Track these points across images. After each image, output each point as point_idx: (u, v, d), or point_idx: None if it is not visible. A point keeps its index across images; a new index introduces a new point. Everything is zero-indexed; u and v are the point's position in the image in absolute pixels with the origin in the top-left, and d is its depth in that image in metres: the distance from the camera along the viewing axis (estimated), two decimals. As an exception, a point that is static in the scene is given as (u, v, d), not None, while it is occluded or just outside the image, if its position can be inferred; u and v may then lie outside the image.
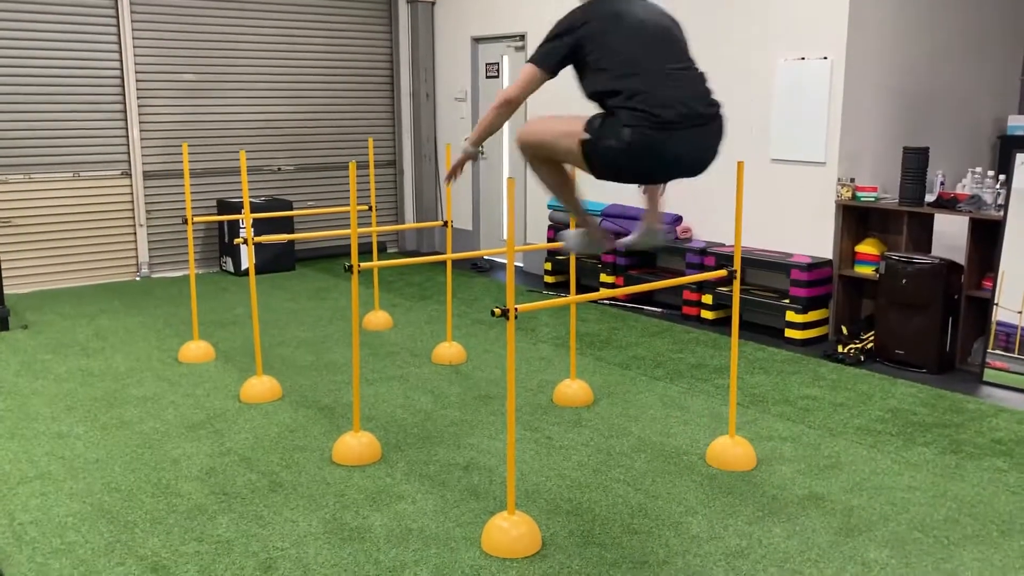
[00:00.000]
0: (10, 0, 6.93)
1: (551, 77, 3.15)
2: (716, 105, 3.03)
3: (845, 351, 5.44)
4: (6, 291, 7.02)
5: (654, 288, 3.96)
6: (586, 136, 2.95)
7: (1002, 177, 5.19)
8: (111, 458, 3.93)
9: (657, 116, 2.86)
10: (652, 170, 3.04)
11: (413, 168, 9.19)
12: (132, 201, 7.68)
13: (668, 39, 3.12)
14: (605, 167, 2.98)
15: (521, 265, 8.34)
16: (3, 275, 6.66)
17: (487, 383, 4.97)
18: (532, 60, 3.10)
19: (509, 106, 3.16)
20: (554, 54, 3.07)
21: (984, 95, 6.58)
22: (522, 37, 7.95)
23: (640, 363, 5.35)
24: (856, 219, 5.82)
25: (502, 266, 8.38)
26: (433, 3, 8.84)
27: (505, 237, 8.35)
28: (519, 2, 7.89)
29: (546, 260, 7.60)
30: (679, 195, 6.76)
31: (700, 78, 3.08)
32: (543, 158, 3.24)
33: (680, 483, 3.69)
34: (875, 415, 4.48)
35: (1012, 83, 6.78)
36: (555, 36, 3.09)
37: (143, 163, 7.68)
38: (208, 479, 3.71)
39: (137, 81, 7.56)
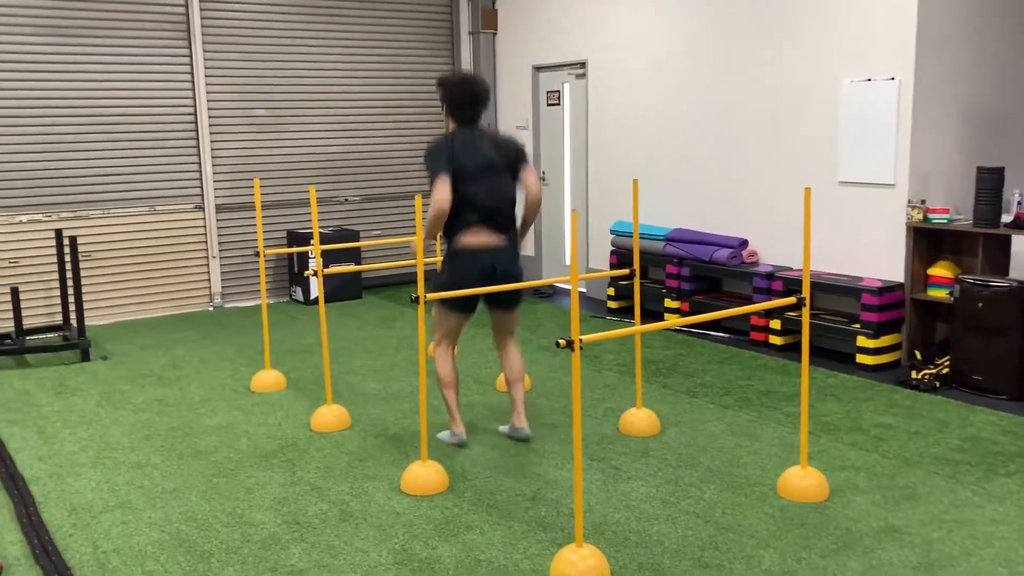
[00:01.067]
0: (88, 44, 7.24)
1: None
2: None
3: (919, 377, 5.30)
4: (87, 323, 7.30)
5: (720, 317, 3.92)
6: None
7: (1083, 196, 5.03)
8: (187, 487, 4.04)
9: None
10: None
11: (476, 196, 9.27)
12: (205, 233, 7.92)
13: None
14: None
15: (584, 290, 8.34)
16: (84, 307, 6.92)
17: (552, 411, 4.97)
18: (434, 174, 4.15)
19: (439, 209, 4.13)
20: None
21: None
22: (583, 65, 8.00)
23: (708, 391, 5.29)
24: (928, 241, 5.68)
25: (565, 291, 8.39)
26: (494, 33, 8.96)
27: (568, 263, 8.36)
28: (580, 30, 7.94)
29: (609, 285, 7.59)
30: (745, 219, 6.71)
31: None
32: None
33: (751, 515, 3.63)
34: (953, 444, 4.35)
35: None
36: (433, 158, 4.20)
37: (216, 196, 7.92)
38: (280, 508, 3.79)
39: (210, 117, 7.81)
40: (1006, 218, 5.33)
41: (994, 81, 5.96)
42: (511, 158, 4.29)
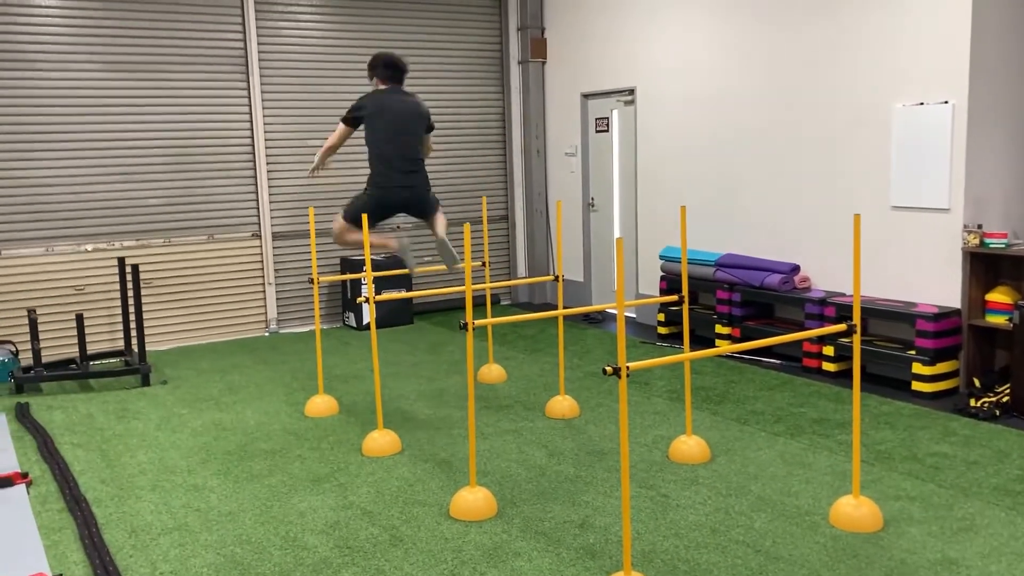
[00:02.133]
0: (152, 79, 7.51)
1: (354, 129, 5.58)
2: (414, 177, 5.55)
3: (978, 405, 5.19)
4: (147, 348, 7.50)
5: (772, 343, 3.91)
6: (341, 218, 5.52)
7: None
8: (242, 510, 4.13)
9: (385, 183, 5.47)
10: (383, 213, 5.54)
11: (525, 222, 9.35)
12: (261, 261, 8.11)
13: (406, 131, 5.54)
14: (355, 218, 5.36)
15: (634, 316, 8.33)
16: (145, 333, 7.12)
17: (601, 438, 4.97)
18: (343, 120, 5.58)
19: (331, 150, 5.69)
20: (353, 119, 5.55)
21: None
22: (631, 92, 8.05)
23: (759, 418, 5.24)
24: (985, 266, 5.58)
25: (615, 317, 8.39)
26: (544, 62, 9.06)
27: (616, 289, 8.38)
28: (628, 57, 8.00)
29: (659, 311, 7.57)
30: (797, 244, 6.66)
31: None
32: (341, 241, 5.58)
33: (803, 545, 3.59)
34: (1013, 474, 4.24)
35: None
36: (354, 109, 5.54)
37: (272, 225, 8.11)
38: (332, 532, 3.85)
39: (267, 148, 8.02)
40: (1067, 242, 5.21)
41: (1052, 103, 5.85)
42: (423, 113, 5.65)
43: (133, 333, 7.23)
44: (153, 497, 4.32)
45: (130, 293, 7.03)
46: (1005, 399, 5.20)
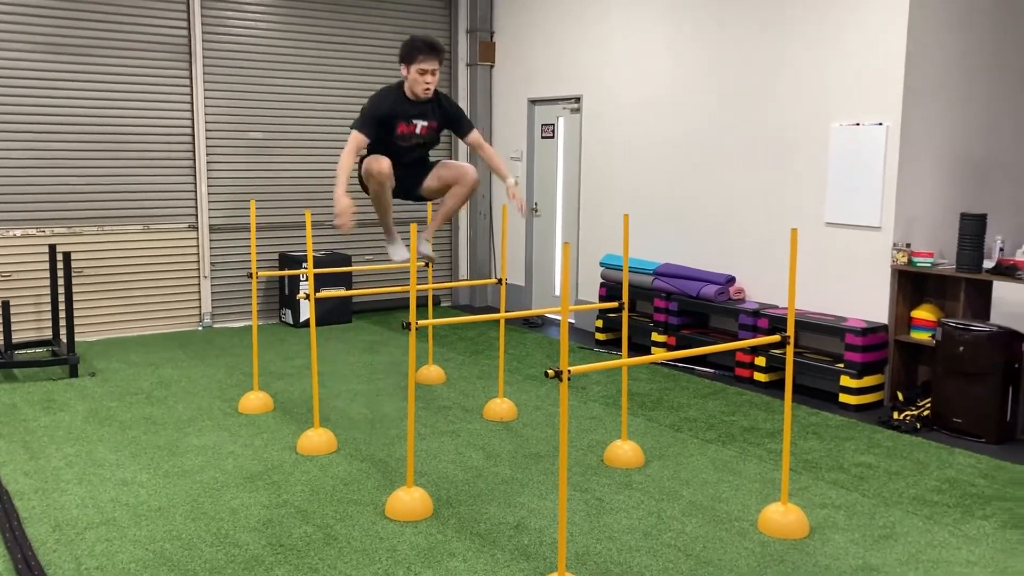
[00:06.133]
0: (90, 62, 7.32)
1: (369, 141, 4.76)
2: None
3: (901, 418, 5.37)
4: (76, 338, 7.30)
5: (706, 352, 3.99)
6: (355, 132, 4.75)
7: (1063, 245, 5.14)
8: (173, 506, 4.05)
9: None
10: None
11: (468, 225, 9.36)
12: (198, 253, 7.96)
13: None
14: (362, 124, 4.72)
15: (572, 321, 8.40)
16: (74, 323, 6.92)
17: (538, 441, 5.01)
18: (354, 127, 4.75)
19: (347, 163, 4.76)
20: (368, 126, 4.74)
21: (1044, 161, 6.53)
22: (578, 100, 8.13)
23: (692, 425, 5.34)
24: (912, 284, 5.78)
25: (554, 322, 8.45)
26: (492, 66, 9.09)
27: (558, 294, 8.43)
28: (575, 66, 8.08)
29: (597, 317, 7.65)
30: (733, 256, 6.80)
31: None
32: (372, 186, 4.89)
33: (732, 550, 3.67)
34: (932, 485, 4.41)
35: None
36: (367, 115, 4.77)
37: (210, 217, 7.97)
38: (265, 530, 3.80)
39: (207, 139, 7.88)
40: (988, 264, 5.43)
41: (978, 129, 6.10)
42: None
43: (62, 322, 7.02)
44: (79, 491, 4.21)
45: (60, 281, 6.83)
46: (926, 413, 5.40)
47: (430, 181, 5.02)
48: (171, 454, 4.74)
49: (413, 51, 4.65)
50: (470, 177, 4.92)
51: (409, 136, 4.84)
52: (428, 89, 4.71)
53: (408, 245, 4.67)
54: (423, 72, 4.67)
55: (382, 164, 4.69)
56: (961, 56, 5.91)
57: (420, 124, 4.80)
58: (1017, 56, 6.23)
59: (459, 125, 4.98)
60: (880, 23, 5.70)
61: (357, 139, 4.68)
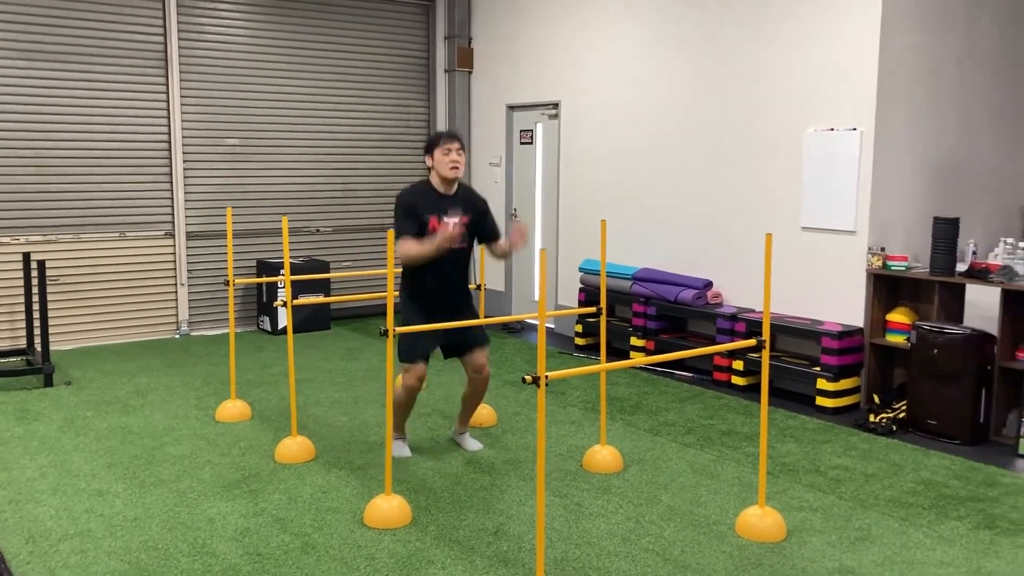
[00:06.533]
0: (65, 69, 7.27)
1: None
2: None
3: (877, 420, 5.42)
4: (51, 347, 7.23)
5: (684, 356, 4.02)
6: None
7: (1034, 248, 5.21)
8: (149, 516, 4.01)
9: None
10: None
11: (447, 230, 9.35)
12: (175, 261, 7.91)
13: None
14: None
15: (552, 326, 8.41)
16: (49, 332, 6.85)
17: (517, 447, 5.01)
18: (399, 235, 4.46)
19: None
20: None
21: (1015, 165, 6.62)
22: (556, 106, 8.15)
23: (671, 429, 5.36)
24: (887, 288, 5.83)
25: (533, 327, 8.46)
26: (470, 72, 9.10)
27: (537, 299, 8.44)
28: (553, 72, 8.10)
29: (577, 322, 7.67)
30: (711, 260, 6.84)
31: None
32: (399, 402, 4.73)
33: (709, 553, 3.69)
34: (907, 487, 4.45)
35: (1044, 153, 6.82)
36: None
37: (187, 224, 7.92)
38: (242, 539, 3.78)
39: (184, 146, 7.84)
40: (961, 267, 5.50)
41: (951, 134, 6.17)
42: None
43: (36, 331, 6.95)
44: (54, 502, 4.17)
45: (35, 289, 6.76)
46: (902, 415, 5.45)
47: (465, 366, 4.77)
48: (147, 463, 4.70)
49: (435, 138, 4.58)
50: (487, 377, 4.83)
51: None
52: (456, 167, 4.48)
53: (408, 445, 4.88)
54: (447, 152, 4.50)
55: (417, 377, 4.56)
56: (933, 63, 5.98)
57: (451, 221, 4.50)
58: (986, 63, 6.32)
59: (487, 220, 4.71)
60: (853, 30, 5.76)
61: (407, 243, 4.40)
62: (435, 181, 4.57)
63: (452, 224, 4.44)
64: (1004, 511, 4.14)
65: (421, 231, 4.45)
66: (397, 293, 4.43)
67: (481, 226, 4.69)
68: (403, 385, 4.59)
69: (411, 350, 4.52)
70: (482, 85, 9.02)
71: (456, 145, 4.53)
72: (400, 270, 4.57)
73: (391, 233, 3.91)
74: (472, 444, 5.00)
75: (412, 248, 4.37)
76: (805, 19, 6.04)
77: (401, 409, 4.71)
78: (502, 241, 4.71)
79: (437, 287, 4.58)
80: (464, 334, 4.66)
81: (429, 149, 4.57)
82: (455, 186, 4.61)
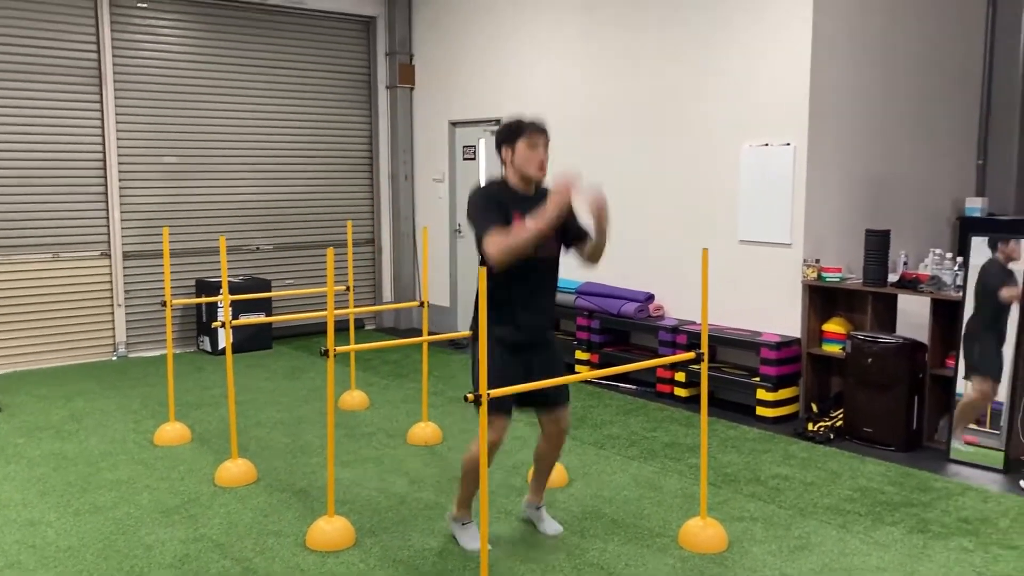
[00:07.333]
0: (-4, 86, 7.09)
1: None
2: None
3: (815, 429, 5.53)
4: (-19, 372, 7.01)
5: (628, 370, 4.05)
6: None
7: (960, 258, 5.38)
8: (84, 546, 3.91)
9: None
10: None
11: (392, 247, 9.32)
12: (111, 281, 7.74)
13: None
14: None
15: (498, 342, 8.40)
16: (-22, 356, 6.66)
17: (462, 464, 4.99)
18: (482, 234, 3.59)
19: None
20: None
21: (943, 178, 6.84)
22: (498, 122, 8.19)
23: (615, 442, 5.40)
24: (822, 299, 5.97)
25: (479, 343, 8.44)
26: (412, 88, 9.10)
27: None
28: (494, 89, 8.14)
29: (522, 338, 7.67)
30: (652, 274, 6.92)
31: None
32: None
33: (652, 566, 3.72)
34: (844, 494, 4.54)
35: (969, 166, 7.06)
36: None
37: (123, 244, 7.76)
38: (181, 566, 3.70)
39: (119, 164, 7.69)
40: (893, 277, 5.65)
41: (880, 148, 6.36)
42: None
43: (-36, 356, 6.75)
44: (-18, 534, 4.04)
45: (-38, 314, 6.56)
46: (839, 423, 5.57)
47: (544, 426, 3.92)
48: (82, 491, 4.58)
49: (516, 128, 3.70)
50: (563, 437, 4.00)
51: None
52: (544, 168, 3.70)
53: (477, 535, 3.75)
54: (534, 147, 3.66)
55: (500, 431, 3.67)
56: (862, 82, 6.16)
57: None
58: (912, 82, 6.52)
59: (573, 218, 3.78)
60: (786, 50, 5.90)
61: (494, 238, 3.50)
62: (513, 179, 3.73)
63: (564, 179, 3.47)
64: (936, 515, 4.26)
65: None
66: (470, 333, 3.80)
67: (569, 228, 3.78)
68: (480, 443, 3.30)
69: (497, 398, 3.38)
70: (424, 101, 9.02)
71: (544, 139, 3.70)
72: (480, 295, 3.56)
73: (330, 251, 3.87)
74: (551, 526, 4.05)
75: (512, 238, 3.45)
76: (741, 38, 6.18)
77: (472, 477, 3.71)
78: (591, 233, 3.78)
79: (525, 310, 3.71)
80: (551, 385, 3.74)
81: (508, 140, 3.70)
82: (535, 186, 3.77)
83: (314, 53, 8.70)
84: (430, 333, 5.55)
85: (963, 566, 3.71)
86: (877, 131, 6.31)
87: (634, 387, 6.74)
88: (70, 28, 7.39)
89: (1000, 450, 4.94)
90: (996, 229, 6.15)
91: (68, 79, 7.41)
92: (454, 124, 8.72)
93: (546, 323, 3.89)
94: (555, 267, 3.84)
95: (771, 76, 6.01)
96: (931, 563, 3.74)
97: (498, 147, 3.77)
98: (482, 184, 3.88)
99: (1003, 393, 4.97)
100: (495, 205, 3.62)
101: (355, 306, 8.54)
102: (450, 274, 8.92)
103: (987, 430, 4.99)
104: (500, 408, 3.58)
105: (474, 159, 8.59)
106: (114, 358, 7.77)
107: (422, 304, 5.43)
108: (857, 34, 6.10)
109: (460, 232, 8.83)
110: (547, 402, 3.84)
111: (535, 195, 3.71)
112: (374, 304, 9.23)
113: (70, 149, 7.47)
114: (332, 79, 8.86)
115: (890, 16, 6.33)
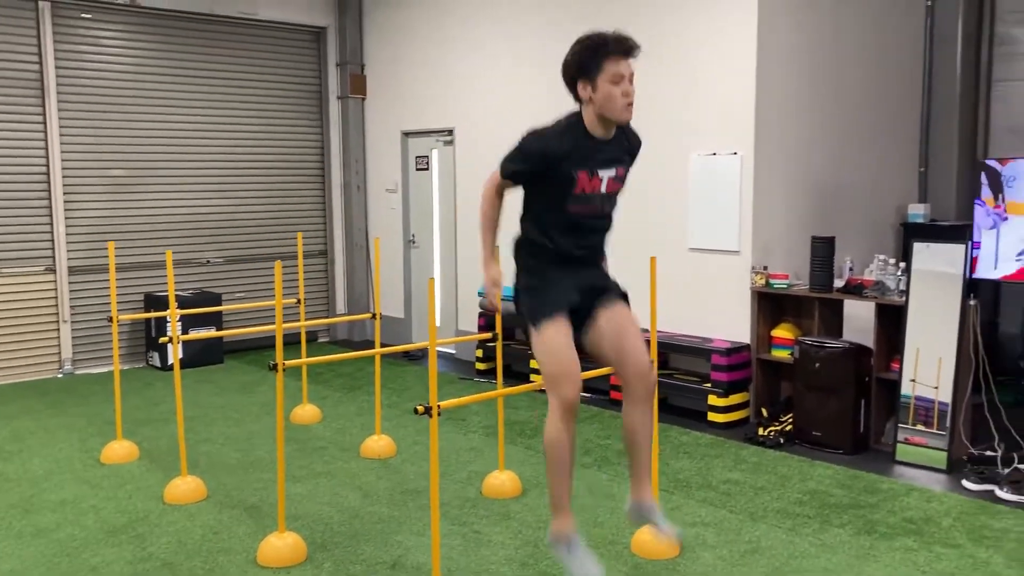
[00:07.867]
0: (-67, 98, 6.92)
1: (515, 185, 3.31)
2: None
3: (765, 434, 5.61)
4: (-81, 392, 6.81)
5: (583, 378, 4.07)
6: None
7: (903, 264, 5.50)
8: (26, 570, 3.81)
9: None
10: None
11: (344, 258, 9.26)
12: (56, 297, 7.57)
13: None
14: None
15: (454, 352, 8.40)
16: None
17: (416, 476, 4.97)
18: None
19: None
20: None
21: (886, 185, 6.99)
22: (450, 132, 8.19)
23: (568, 451, 5.41)
24: (771, 305, 6.06)
25: (437, 354, 8.41)
26: (363, 99, 9.07)
27: (439, 325, 8.42)
28: (446, 100, 8.15)
29: (477, 347, 7.68)
30: (604, 283, 6.95)
31: None
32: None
33: (607, 573, 3.73)
34: (794, 498, 4.61)
35: (911, 173, 7.22)
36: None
37: (68, 258, 7.60)
38: (127, 588, 3.63)
39: (64, 177, 7.54)
40: (838, 283, 5.76)
41: (825, 157, 6.48)
42: None
43: (-99, 376, 6.56)
44: (-81, 559, 3.92)
45: (-101, 332, 6.37)
46: (788, 428, 5.65)
47: (599, 338, 3.39)
48: (24, 512, 4.47)
49: (599, 50, 3.03)
50: (651, 379, 3.36)
51: (591, 198, 3.21)
52: (631, 105, 3.11)
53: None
54: (619, 79, 3.04)
55: (572, 381, 3.22)
56: (806, 91, 6.28)
57: (607, 175, 3.21)
58: (856, 90, 6.67)
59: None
60: (732, 60, 6.00)
61: (497, 182, 3.28)
62: (589, 120, 3.16)
63: (492, 295, 3.35)
64: (883, 516, 4.34)
65: (560, 197, 3.12)
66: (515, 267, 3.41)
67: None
68: (554, 411, 2.98)
69: (543, 301, 3.05)
70: (376, 112, 8.99)
71: (632, 68, 3.07)
72: (517, 230, 3.33)
73: (278, 264, 3.84)
74: (668, 526, 3.29)
75: (487, 210, 3.34)
76: (688, 48, 6.26)
77: (558, 464, 3.20)
78: None
79: (568, 247, 3.31)
80: (597, 286, 3.32)
81: (586, 72, 3.06)
82: (615, 128, 3.20)
83: (264, 64, 8.63)
84: (384, 345, 5.53)
85: (908, 566, 3.79)
86: (822, 140, 6.44)
87: (588, 395, 6.77)
88: (11, 39, 7.24)
89: (944, 450, 5.06)
90: (937, 235, 6.31)
91: (9, 91, 7.25)
92: (407, 134, 8.70)
93: (596, 253, 3.46)
94: (611, 215, 3.46)
95: (717, 87, 6.11)
96: (877, 563, 3.81)
97: (572, 83, 3.14)
98: (553, 121, 3.24)
99: (946, 394, 5.08)
100: (537, 159, 3.12)
101: (307, 319, 8.47)
102: (404, 285, 8.88)
103: (934, 431, 5.10)
104: (555, 306, 3.09)
105: (427, 169, 8.58)
106: (60, 375, 7.60)
107: (375, 316, 5.40)
108: (802, 45, 6.22)
109: (414, 243, 8.80)
110: (600, 301, 3.32)
111: (612, 139, 3.20)
112: (327, 316, 9.15)
113: (12, 162, 7.31)
114: (282, 90, 8.79)
115: (834, 27, 6.46)
